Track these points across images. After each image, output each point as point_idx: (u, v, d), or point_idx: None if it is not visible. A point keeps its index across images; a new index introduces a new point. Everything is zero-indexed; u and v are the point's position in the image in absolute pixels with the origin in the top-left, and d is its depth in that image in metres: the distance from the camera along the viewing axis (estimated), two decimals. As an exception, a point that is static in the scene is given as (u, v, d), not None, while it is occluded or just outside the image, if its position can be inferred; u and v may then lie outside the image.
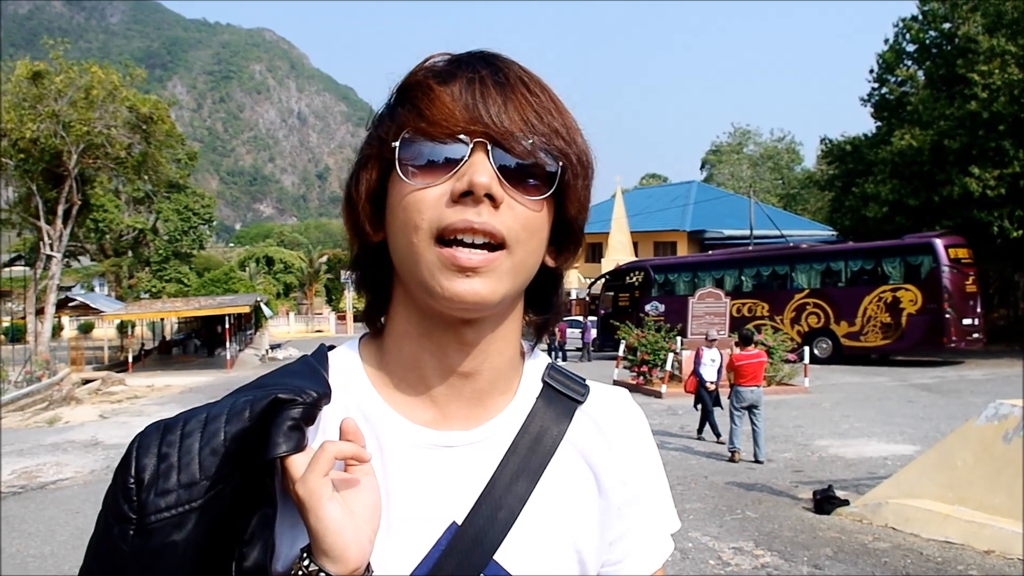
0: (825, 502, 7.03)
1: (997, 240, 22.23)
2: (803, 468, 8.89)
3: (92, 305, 32.56)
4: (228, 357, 27.63)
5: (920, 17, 25.46)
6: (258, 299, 36.23)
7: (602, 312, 27.03)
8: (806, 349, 17.13)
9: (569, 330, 27.66)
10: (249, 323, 40.71)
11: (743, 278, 23.47)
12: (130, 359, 29.08)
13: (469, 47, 0.77)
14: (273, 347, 35.50)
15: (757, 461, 9.18)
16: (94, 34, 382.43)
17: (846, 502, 6.97)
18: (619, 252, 33.65)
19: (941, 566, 5.30)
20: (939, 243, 19.49)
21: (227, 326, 27.93)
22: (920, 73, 25.57)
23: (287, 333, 52.66)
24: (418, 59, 0.77)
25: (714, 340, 11.27)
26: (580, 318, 29.07)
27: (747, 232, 32.46)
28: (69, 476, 9.90)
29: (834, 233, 28.84)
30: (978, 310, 20.18)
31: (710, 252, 29.02)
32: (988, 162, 21.21)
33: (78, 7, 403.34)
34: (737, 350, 9.96)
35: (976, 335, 19.92)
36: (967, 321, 19.50)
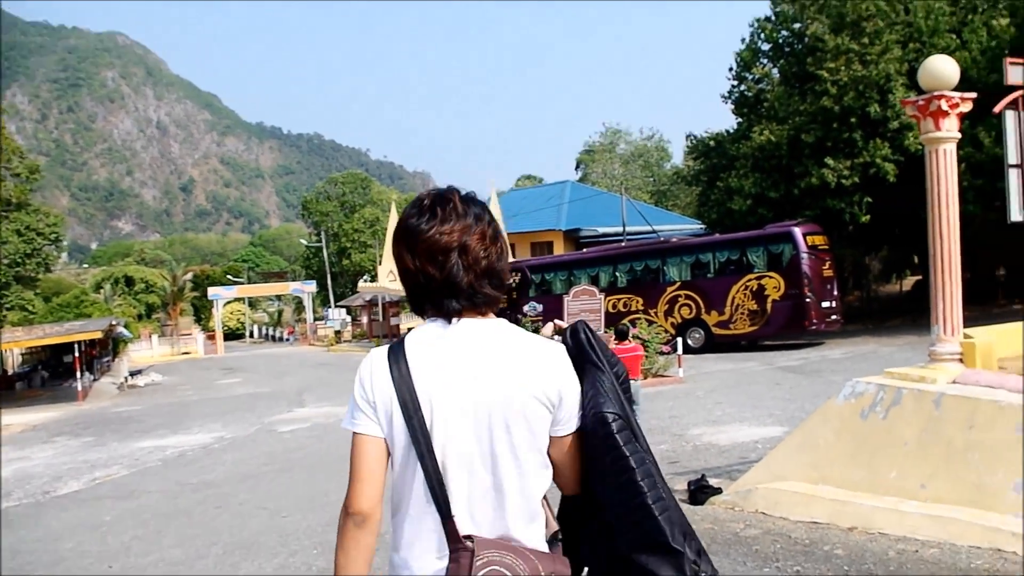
0: (699, 492, 6.92)
1: (850, 227, 23.58)
2: (678, 459, 8.83)
3: (-83, 339, 28.97)
4: (80, 388, 25.26)
5: (773, 17, 26.67)
6: (113, 322, 33.58)
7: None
8: (679, 340, 17.49)
9: None
10: (106, 349, 37.78)
11: (617, 274, 23.81)
12: (-36, 397, 26.10)
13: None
14: (133, 374, 32.95)
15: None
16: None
17: (719, 490, 6.89)
18: (497, 254, 33.42)
19: (808, 548, 5.23)
20: (798, 231, 20.43)
21: (76, 354, 25.61)
22: (775, 71, 26.76)
23: (151, 357, 49.27)
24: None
25: None
26: None
27: (620, 229, 33.11)
28: None
29: (703, 226, 29.77)
30: (835, 293, 21.31)
31: (585, 250, 29.35)
32: (841, 154, 22.43)
33: None
34: (614, 345, 9.91)
35: (834, 317, 21.02)
36: (825, 304, 20.54)
